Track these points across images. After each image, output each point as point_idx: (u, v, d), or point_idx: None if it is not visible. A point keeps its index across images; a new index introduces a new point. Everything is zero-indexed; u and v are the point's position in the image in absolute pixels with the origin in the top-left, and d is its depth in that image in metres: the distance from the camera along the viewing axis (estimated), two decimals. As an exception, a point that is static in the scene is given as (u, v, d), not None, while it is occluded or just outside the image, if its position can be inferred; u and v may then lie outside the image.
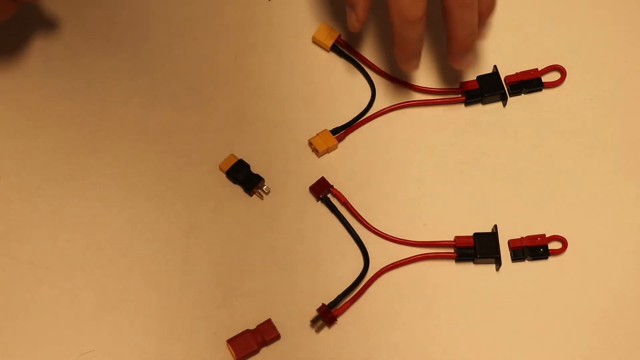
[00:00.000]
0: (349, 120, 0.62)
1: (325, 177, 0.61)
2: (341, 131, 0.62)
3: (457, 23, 0.58)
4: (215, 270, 0.58)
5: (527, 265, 0.60)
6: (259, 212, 0.60)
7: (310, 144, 0.62)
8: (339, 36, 0.64)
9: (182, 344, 0.57)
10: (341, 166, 0.61)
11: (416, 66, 0.60)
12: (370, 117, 0.63)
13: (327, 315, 0.57)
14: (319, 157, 0.62)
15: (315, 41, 0.65)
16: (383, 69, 0.64)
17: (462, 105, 0.64)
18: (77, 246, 0.59)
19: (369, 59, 0.64)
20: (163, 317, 0.57)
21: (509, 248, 0.60)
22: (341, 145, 0.62)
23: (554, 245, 0.60)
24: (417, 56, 0.60)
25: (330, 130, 0.62)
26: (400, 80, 0.64)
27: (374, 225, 0.60)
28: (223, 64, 0.64)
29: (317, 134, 0.61)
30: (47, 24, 0.64)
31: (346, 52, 0.64)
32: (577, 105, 0.64)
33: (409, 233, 0.60)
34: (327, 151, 0.62)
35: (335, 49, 0.64)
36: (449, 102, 0.63)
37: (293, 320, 0.57)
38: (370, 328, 0.58)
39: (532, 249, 0.59)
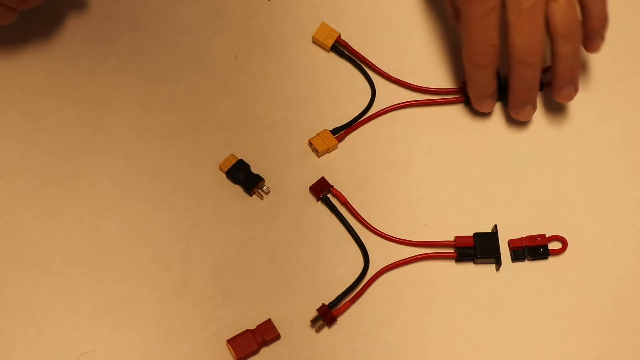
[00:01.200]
0: (349, 120, 0.62)
1: (325, 177, 0.60)
2: (341, 131, 0.62)
3: (559, 57, 0.59)
4: (215, 270, 0.58)
5: (527, 265, 0.59)
6: (259, 212, 0.60)
7: (310, 144, 0.61)
8: (339, 36, 0.64)
9: (182, 344, 0.56)
10: (341, 166, 0.61)
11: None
12: (370, 117, 0.63)
13: (327, 315, 0.57)
14: (319, 157, 0.62)
15: (315, 41, 0.65)
16: (383, 69, 0.64)
17: (462, 105, 0.64)
18: (77, 246, 0.59)
19: (369, 59, 0.64)
20: (163, 317, 0.57)
21: (509, 248, 0.60)
22: (341, 145, 0.62)
23: (554, 245, 0.60)
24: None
25: (330, 130, 0.62)
26: (400, 80, 0.63)
27: (374, 225, 0.60)
28: (223, 64, 0.64)
29: (317, 134, 0.61)
30: (47, 24, 0.64)
31: (346, 52, 0.64)
32: (577, 105, 0.64)
33: (409, 233, 0.60)
34: (327, 151, 0.62)
35: (335, 49, 0.64)
36: (449, 102, 0.63)
37: (293, 320, 0.57)
38: (370, 328, 0.57)
39: (532, 249, 0.59)
